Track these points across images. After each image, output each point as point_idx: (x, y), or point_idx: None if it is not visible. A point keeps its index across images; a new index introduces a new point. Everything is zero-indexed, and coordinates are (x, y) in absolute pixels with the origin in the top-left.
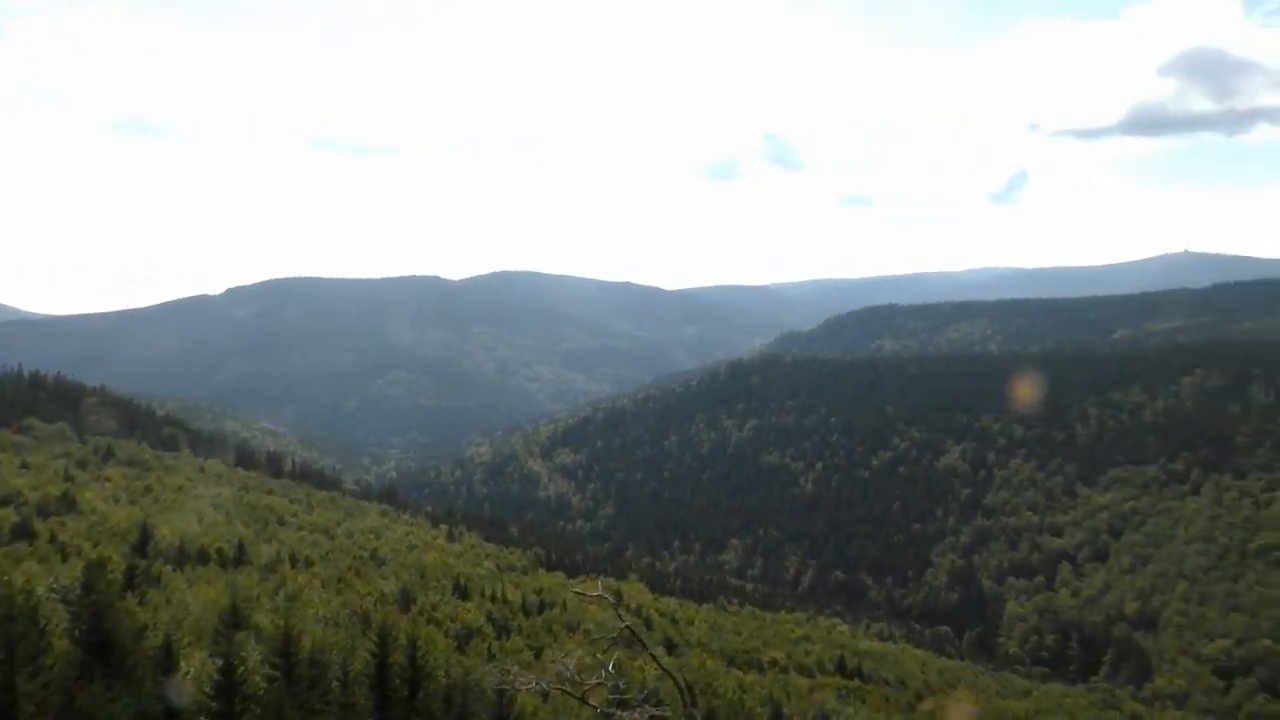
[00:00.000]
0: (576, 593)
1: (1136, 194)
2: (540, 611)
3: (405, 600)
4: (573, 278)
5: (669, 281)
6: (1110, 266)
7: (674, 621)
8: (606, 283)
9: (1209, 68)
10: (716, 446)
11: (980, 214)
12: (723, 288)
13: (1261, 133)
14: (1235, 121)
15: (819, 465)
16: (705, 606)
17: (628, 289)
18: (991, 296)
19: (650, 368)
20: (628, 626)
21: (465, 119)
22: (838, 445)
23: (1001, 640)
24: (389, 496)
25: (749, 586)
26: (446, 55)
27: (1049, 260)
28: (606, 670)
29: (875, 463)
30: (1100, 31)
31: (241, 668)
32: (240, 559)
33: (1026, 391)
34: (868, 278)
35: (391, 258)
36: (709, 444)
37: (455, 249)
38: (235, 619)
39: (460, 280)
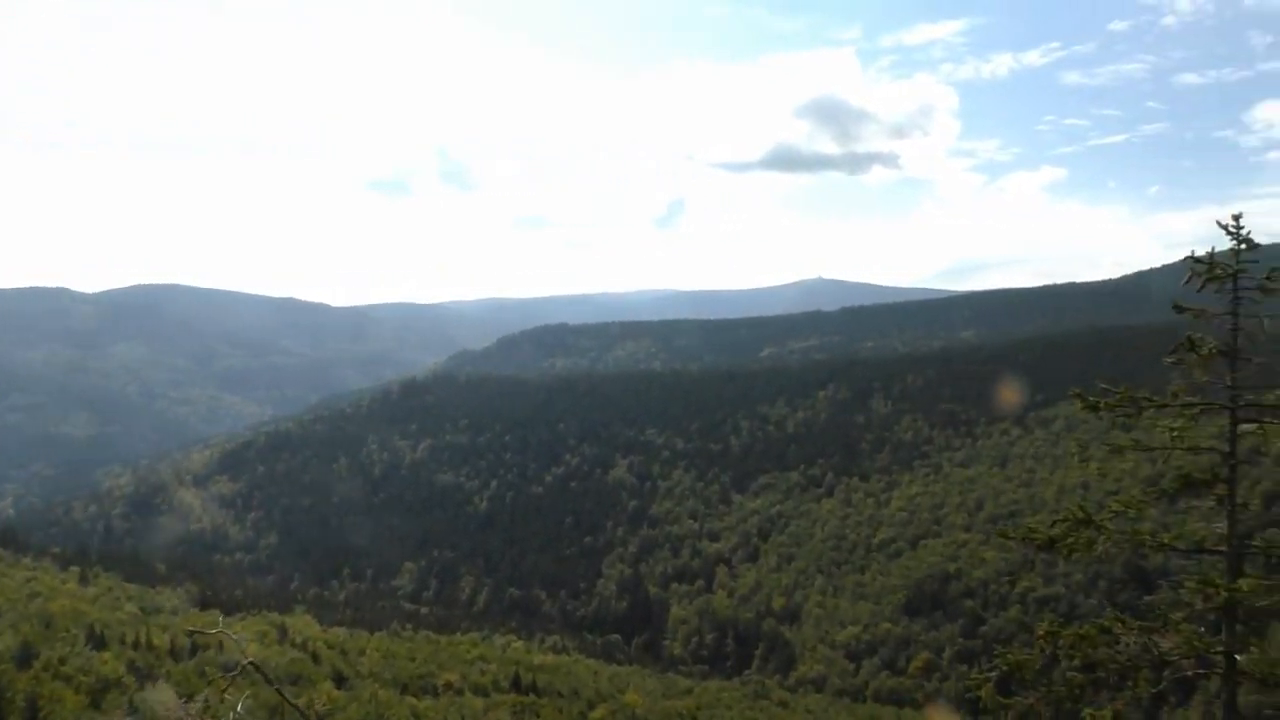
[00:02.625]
0: (191, 631)
1: (778, 225)
2: (193, 655)
3: (26, 655)
4: (230, 292)
5: (337, 298)
6: (757, 290)
7: (343, 653)
8: (268, 298)
9: (833, 114)
10: (389, 468)
11: (644, 238)
12: (394, 305)
13: (877, 174)
14: (855, 163)
15: (494, 483)
16: (378, 634)
17: (292, 305)
18: (655, 317)
19: (318, 387)
20: (251, 662)
21: (105, 114)
22: (512, 463)
23: (667, 643)
24: (7, 538)
25: (424, 610)
26: (82, 41)
27: (705, 283)
28: (236, 711)
29: (549, 478)
30: (743, 74)
31: None
32: None
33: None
34: (540, 297)
35: (6, 267)
36: (381, 466)
37: (88, 259)
38: None
39: (95, 293)
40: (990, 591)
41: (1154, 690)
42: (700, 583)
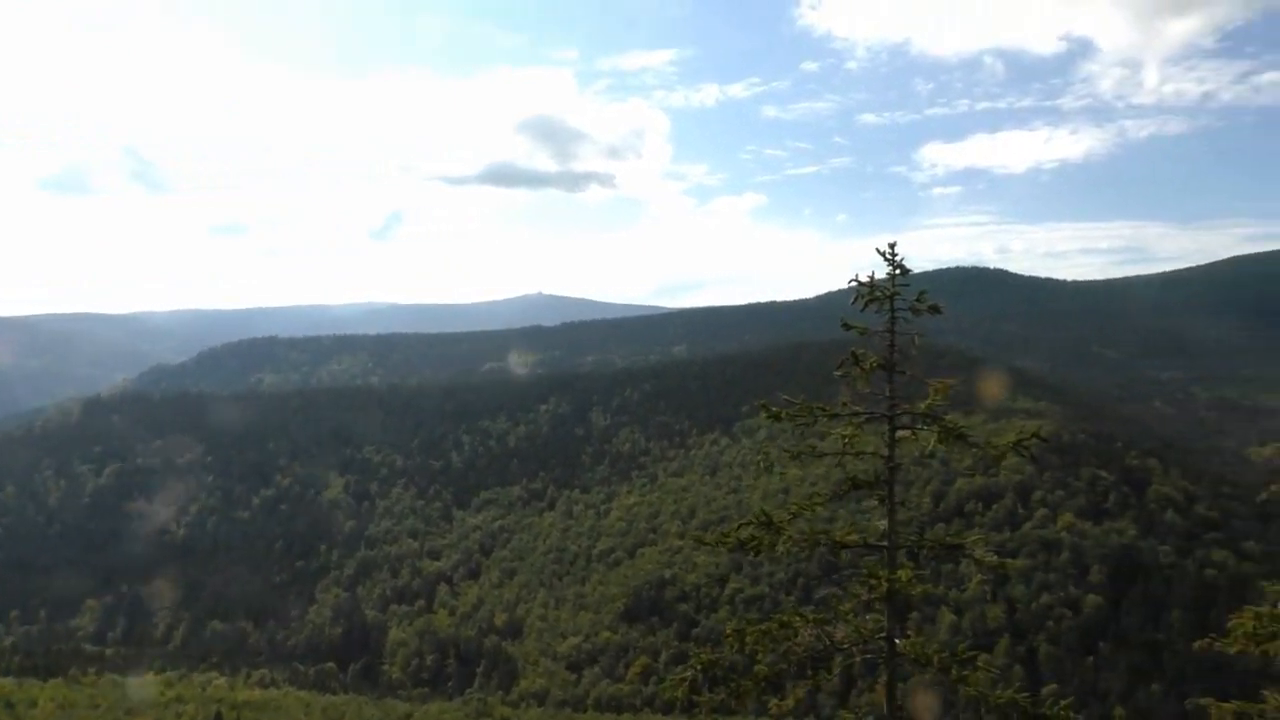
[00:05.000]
0: None
1: (498, 240)
2: None
3: None
4: None
5: (3, 307)
6: (477, 304)
7: (10, 705)
8: None
9: (551, 132)
10: (68, 496)
11: (359, 249)
12: (73, 315)
13: (594, 193)
14: (573, 181)
15: (193, 509)
16: (53, 682)
17: None
18: (371, 330)
19: None
20: None
21: None
22: (214, 486)
23: (385, 667)
24: None
25: (109, 651)
26: None
27: (424, 297)
28: None
29: (256, 501)
30: (461, 86)
31: None
32: None
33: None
34: (244, 308)
35: None
36: (58, 494)
37: None
38: None
39: None
40: (702, 594)
41: (831, 678)
42: (421, 603)
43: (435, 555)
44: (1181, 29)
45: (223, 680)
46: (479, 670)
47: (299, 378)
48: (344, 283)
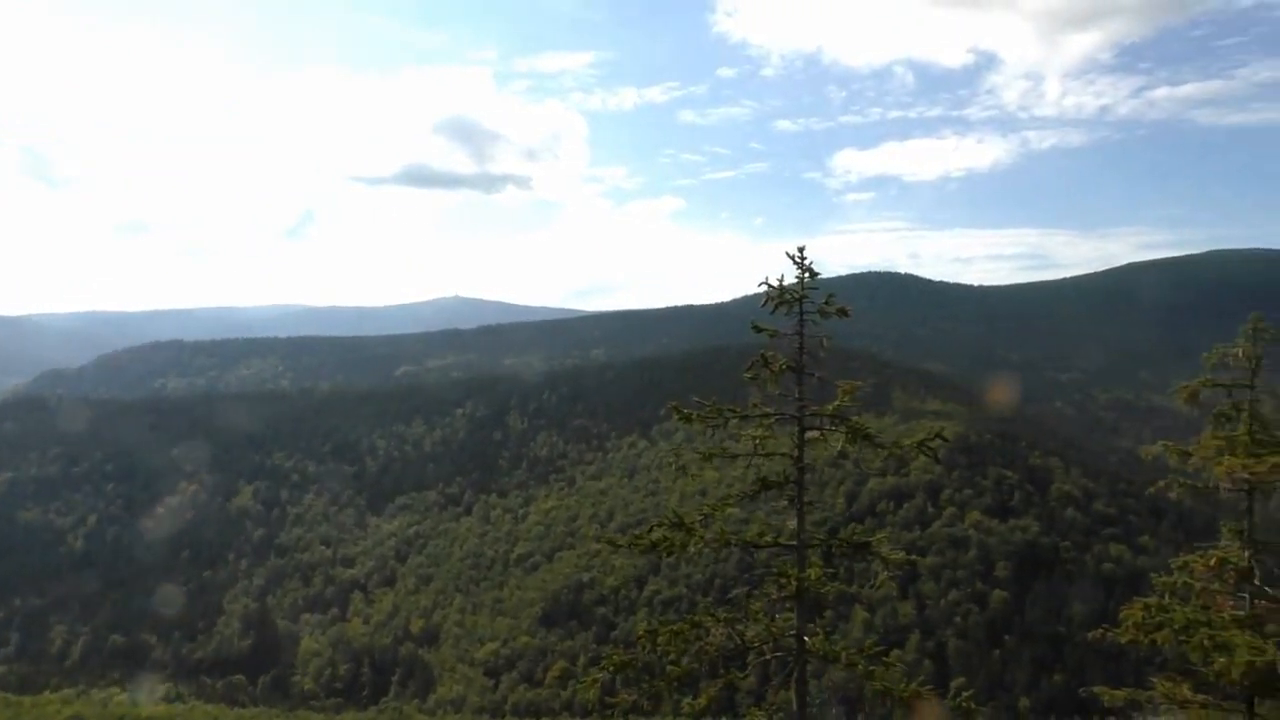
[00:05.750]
0: None
1: (414, 241)
2: None
3: None
4: None
5: None
6: (392, 307)
7: None
8: None
9: (469, 133)
10: None
11: (270, 250)
12: None
13: (511, 195)
14: (490, 183)
15: (92, 518)
16: None
17: None
18: (282, 333)
19: None
20: None
21: None
22: (115, 494)
23: (297, 679)
24: None
25: (2, 668)
26: None
27: (337, 299)
28: None
29: (160, 510)
30: (377, 85)
31: None
32: None
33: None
34: (146, 311)
35: None
36: None
37: None
38: None
39: None
40: (621, 597)
41: (744, 676)
42: (334, 611)
43: (349, 563)
44: (1081, 44)
45: (124, 696)
46: (394, 679)
47: (206, 383)
48: (254, 284)
